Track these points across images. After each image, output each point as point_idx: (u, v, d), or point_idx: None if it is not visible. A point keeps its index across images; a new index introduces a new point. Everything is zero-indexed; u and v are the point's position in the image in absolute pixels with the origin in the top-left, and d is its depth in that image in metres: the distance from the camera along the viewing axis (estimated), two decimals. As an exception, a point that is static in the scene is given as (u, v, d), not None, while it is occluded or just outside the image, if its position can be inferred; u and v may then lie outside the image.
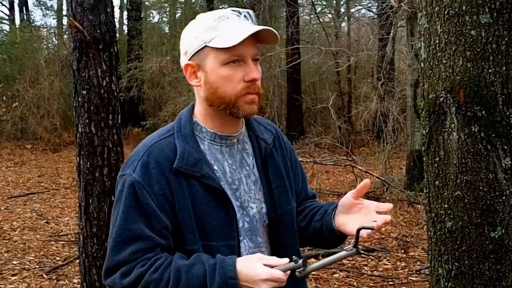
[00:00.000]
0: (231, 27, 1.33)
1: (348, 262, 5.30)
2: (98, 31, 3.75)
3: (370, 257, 5.36)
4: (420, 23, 2.05)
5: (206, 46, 1.34)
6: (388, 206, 1.34)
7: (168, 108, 10.69)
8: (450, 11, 1.92)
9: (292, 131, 12.58)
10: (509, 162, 1.86)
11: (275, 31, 1.35)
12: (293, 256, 1.28)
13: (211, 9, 15.99)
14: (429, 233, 2.05)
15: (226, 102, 1.35)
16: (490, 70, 1.90)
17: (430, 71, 1.99)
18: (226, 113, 1.36)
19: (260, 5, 12.82)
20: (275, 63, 12.26)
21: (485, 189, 1.89)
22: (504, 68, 1.88)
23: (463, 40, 1.91)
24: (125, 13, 16.95)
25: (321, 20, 13.46)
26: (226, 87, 1.34)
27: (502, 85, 1.89)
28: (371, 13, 14.64)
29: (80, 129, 3.81)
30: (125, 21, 17.04)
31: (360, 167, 7.65)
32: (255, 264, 1.28)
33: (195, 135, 1.40)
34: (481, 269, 1.92)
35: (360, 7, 15.12)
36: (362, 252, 1.27)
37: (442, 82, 1.95)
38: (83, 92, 3.76)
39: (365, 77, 12.52)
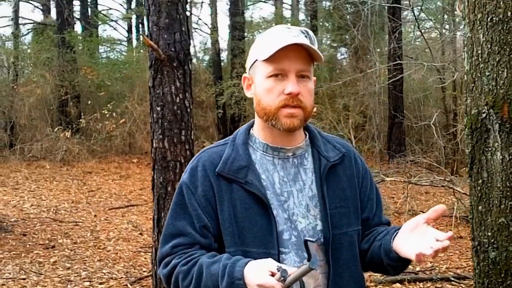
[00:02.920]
0: (279, 43, 1.37)
1: (436, 289, 4.98)
2: (173, 49, 3.93)
3: (461, 285, 4.98)
4: (463, 32, 1.88)
5: (256, 60, 1.44)
6: (448, 235, 1.27)
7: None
8: (494, 18, 1.75)
9: (393, 149, 12.13)
10: (560, 186, 1.62)
11: (313, 48, 1.38)
12: (277, 265, 1.27)
13: (313, 26, 16.04)
14: (474, 264, 1.85)
15: (267, 113, 1.41)
16: (540, 82, 1.69)
17: (473, 84, 1.82)
18: (269, 125, 1.43)
19: (361, 21, 12.62)
20: (375, 80, 11.96)
21: (531, 216, 1.68)
22: (557, 80, 1.66)
23: (508, 49, 1.73)
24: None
25: (427, 35, 12.92)
26: (267, 99, 1.41)
27: (554, 98, 1.67)
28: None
29: (154, 144, 3.99)
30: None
31: (458, 189, 7.12)
32: (259, 269, 1.31)
33: (248, 144, 1.49)
34: (529, 306, 1.69)
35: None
36: (313, 268, 1.21)
37: (484, 96, 1.77)
38: (157, 108, 3.95)
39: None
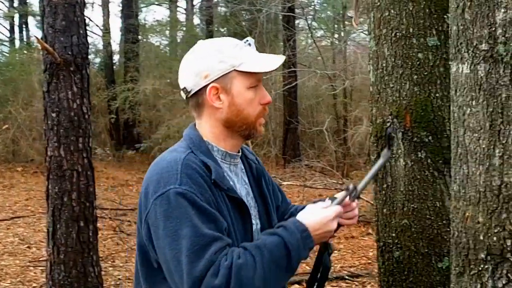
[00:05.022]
0: (254, 54, 1.47)
1: (332, 287, 5.18)
2: (70, 53, 3.74)
3: (355, 282, 5.23)
4: (369, 46, 1.99)
5: (234, 70, 1.43)
6: None
7: (161, 131, 10.64)
8: (397, 33, 1.87)
9: (288, 154, 12.51)
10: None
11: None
12: (343, 185, 1.36)
13: (210, 31, 16.08)
14: (379, 263, 1.96)
15: (248, 123, 1.46)
16: (438, 94, 1.84)
17: (378, 95, 1.93)
18: (244, 133, 1.48)
19: (257, 28, 12.89)
20: (271, 86, 12.26)
21: (432, 218, 1.81)
22: (452, 92, 1.81)
23: (410, 63, 1.85)
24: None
25: (320, 44, 13.51)
26: (249, 110, 1.45)
27: (450, 109, 1.82)
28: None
29: (49, 153, 3.76)
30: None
31: (350, 191, 7.51)
32: (317, 212, 1.39)
33: (211, 152, 1.47)
34: (430, 301, 1.83)
35: (360, 30, 15.19)
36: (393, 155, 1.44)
37: (389, 106, 1.88)
38: (52, 114, 3.73)
39: (361, 100, 12.48)
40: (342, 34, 13.11)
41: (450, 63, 1.40)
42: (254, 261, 1.29)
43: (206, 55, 1.45)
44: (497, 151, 1.25)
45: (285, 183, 8.41)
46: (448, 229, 1.80)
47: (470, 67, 1.28)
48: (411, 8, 1.84)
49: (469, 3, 1.27)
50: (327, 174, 9.62)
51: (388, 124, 1.87)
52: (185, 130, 1.53)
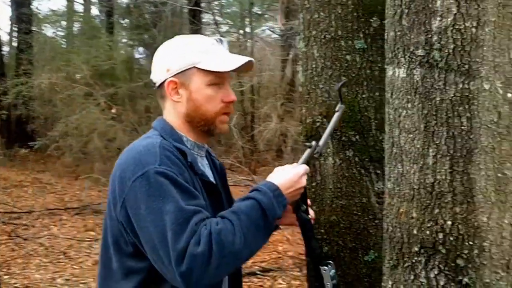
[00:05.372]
0: (220, 53, 1.50)
1: (244, 283, 5.23)
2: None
3: (266, 277, 5.32)
4: (298, 47, 2.03)
5: (194, 67, 1.47)
6: None
7: (58, 127, 10.06)
8: (327, 36, 1.93)
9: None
10: (382, 186, 1.87)
11: (253, 63, 1.55)
12: (306, 143, 1.50)
13: (110, 23, 15.47)
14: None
15: (207, 119, 1.50)
16: (364, 95, 1.92)
17: (308, 96, 1.98)
18: (204, 129, 1.51)
19: (162, 22, 12.64)
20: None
21: (359, 213, 1.90)
22: (377, 93, 1.91)
23: (338, 65, 1.92)
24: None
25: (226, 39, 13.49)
26: (208, 106, 1.49)
27: (375, 110, 1.91)
28: (275, 34, 14.92)
29: None
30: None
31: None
32: (286, 171, 1.48)
33: (182, 140, 1.51)
34: (356, 293, 1.91)
35: (266, 27, 15.39)
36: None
37: (318, 107, 1.94)
38: None
39: (269, 97, 12.71)
40: (248, 30, 13.24)
41: (386, 67, 1.47)
42: (233, 225, 1.33)
43: (173, 51, 1.50)
44: (430, 150, 1.33)
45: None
46: (374, 224, 1.90)
47: (406, 72, 1.35)
48: (339, 11, 1.90)
49: (406, 11, 1.34)
50: (235, 171, 9.68)
51: (318, 124, 1.93)
52: (154, 122, 1.57)
